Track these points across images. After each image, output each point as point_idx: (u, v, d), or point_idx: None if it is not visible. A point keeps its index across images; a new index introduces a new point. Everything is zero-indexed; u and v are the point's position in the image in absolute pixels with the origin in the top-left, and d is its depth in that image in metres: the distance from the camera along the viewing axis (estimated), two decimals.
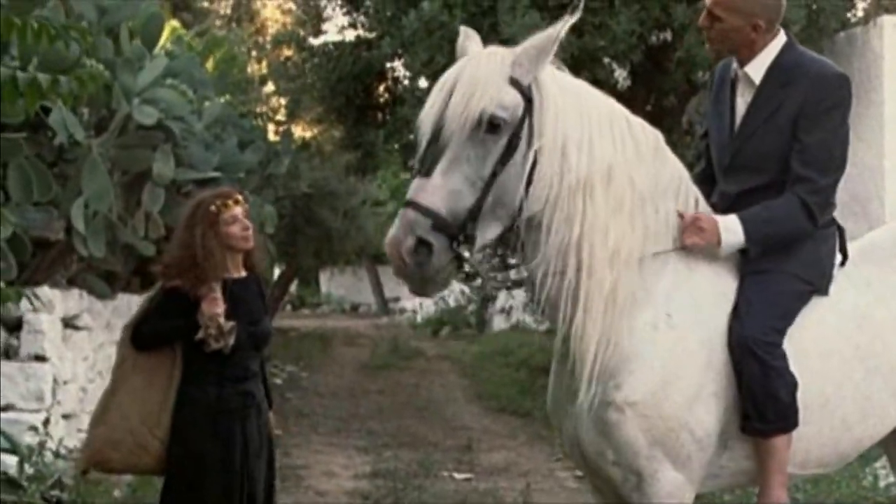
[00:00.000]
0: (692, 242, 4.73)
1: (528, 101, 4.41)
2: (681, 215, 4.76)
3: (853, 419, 4.97)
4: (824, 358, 4.89)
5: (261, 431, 5.63)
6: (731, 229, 4.76)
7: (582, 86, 4.68)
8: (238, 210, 5.55)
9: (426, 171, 4.26)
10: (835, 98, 4.86)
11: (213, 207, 5.51)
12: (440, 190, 4.24)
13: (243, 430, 5.52)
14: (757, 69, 4.92)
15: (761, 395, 4.64)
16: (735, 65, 5.01)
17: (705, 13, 4.92)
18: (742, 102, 4.98)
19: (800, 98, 4.81)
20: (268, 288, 5.88)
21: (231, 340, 5.40)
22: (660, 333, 4.62)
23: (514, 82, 4.38)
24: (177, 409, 5.47)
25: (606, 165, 4.54)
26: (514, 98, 4.37)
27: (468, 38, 4.63)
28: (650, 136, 4.76)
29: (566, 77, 4.64)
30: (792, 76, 4.85)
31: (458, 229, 4.27)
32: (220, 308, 5.40)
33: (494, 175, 4.31)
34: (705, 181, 5.13)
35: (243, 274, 5.65)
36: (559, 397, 4.82)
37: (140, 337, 5.53)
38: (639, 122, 4.76)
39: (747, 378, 4.64)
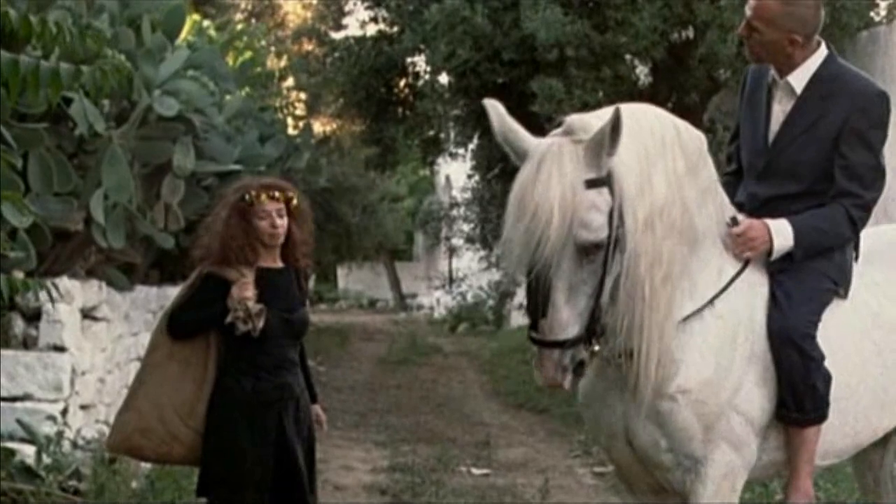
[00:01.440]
0: (745, 254, 4.87)
1: (608, 185, 4.40)
2: (734, 222, 4.89)
3: (872, 411, 5.14)
4: (847, 353, 5.02)
5: (298, 424, 5.56)
6: (782, 234, 4.89)
7: (638, 119, 4.64)
8: (272, 206, 5.48)
9: (544, 312, 4.32)
10: (878, 117, 4.99)
11: (246, 197, 5.48)
12: (570, 319, 4.33)
13: (279, 423, 5.48)
14: (799, 79, 5.02)
15: (801, 386, 4.77)
16: (773, 72, 5.09)
17: (744, 24, 5.02)
18: (780, 110, 5.07)
19: (843, 114, 4.92)
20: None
21: (259, 324, 5.36)
22: (707, 323, 4.74)
23: (591, 183, 4.36)
24: (212, 401, 5.44)
25: (662, 196, 4.58)
26: (598, 208, 4.36)
27: (497, 113, 4.50)
28: (696, 141, 4.83)
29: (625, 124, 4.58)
30: (833, 89, 4.94)
31: (592, 332, 4.41)
32: (250, 292, 5.37)
33: (605, 274, 4.39)
34: (736, 184, 5.24)
35: (280, 265, 5.61)
36: (598, 392, 4.86)
37: (176, 325, 5.52)
38: (684, 128, 4.82)
39: (787, 368, 4.78)
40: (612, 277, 4.40)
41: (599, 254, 4.34)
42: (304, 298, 5.79)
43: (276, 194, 5.53)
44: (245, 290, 5.38)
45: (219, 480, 5.45)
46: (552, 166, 4.29)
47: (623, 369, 4.68)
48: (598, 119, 4.44)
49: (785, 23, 4.91)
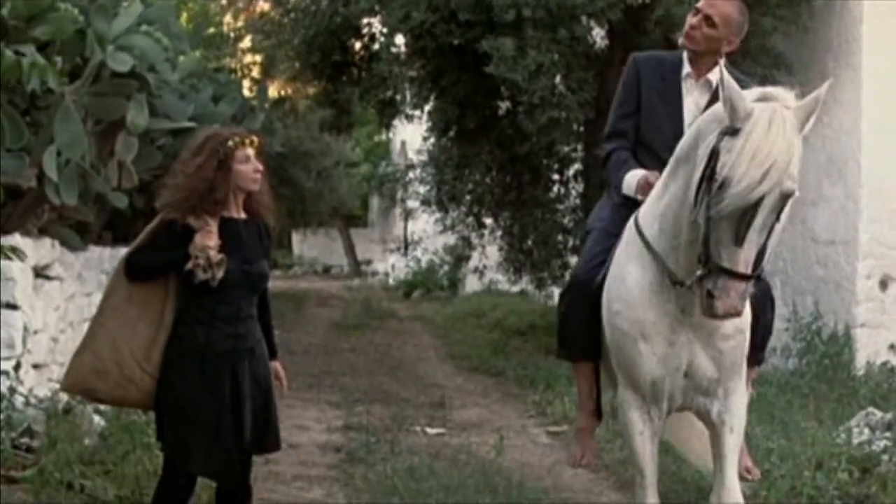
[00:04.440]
0: None
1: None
2: None
3: None
4: None
5: (255, 376, 5.53)
6: None
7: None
8: (251, 151, 5.51)
9: (741, 241, 4.79)
10: None
11: (230, 143, 5.46)
12: (751, 257, 4.81)
13: (233, 374, 5.45)
14: (715, 77, 5.62)
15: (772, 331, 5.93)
16: (687, 67, 5.82)
17: (701, 16, 5.67)
18: (692, 101, 5.81)
19: None
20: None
21: (219, 273, 5.34)
22: None
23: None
24: (167, 347, 5.43)
25: None
26: (797, 166, 4.80)
27: (728, 76, 4.88)
28: None
29: None
30: (741, 85, 5.24)
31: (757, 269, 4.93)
32: (213, 241, 5.35)
33: (777, 221, 4.87)
34: (629, 159, 5.89)
35: (243, 216, 5.58)
36: (662, 330, 5.36)
37: (134, 266, 5.48)
38: None
39: (771, 320, 5.87)
40: (779, 226, 4.89)
41: (784, 204, 4.80)
42: (268, 252, 5.74)
43: (255, 139, 5.54)
44: (208, 239, 5.36)
45: (173, 427, 5.44)
46: (780, 126, 4.73)
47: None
48: (786, 93, 4.89)
49: (735, 26, 5.69)
